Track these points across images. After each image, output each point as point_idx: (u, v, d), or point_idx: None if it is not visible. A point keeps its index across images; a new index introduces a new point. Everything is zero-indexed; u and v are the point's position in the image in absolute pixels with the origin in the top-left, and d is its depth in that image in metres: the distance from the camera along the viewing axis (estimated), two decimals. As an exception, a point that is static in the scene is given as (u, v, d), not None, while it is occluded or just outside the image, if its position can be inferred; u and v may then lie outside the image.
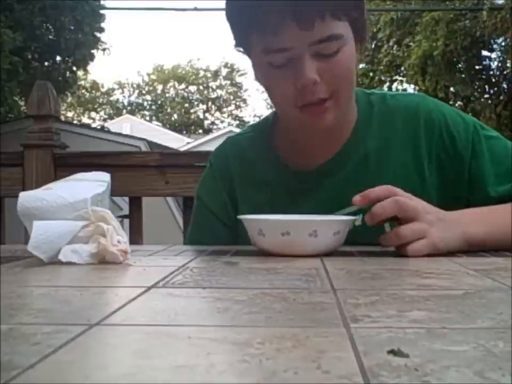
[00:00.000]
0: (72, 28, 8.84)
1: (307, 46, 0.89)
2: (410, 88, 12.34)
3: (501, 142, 1.03)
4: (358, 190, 0.84)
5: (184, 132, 30.07)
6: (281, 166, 1.06)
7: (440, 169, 1.01)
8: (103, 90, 34.81)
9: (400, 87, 12.64)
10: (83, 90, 26.77)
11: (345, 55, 0.92)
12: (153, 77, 36.01)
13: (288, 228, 0.82)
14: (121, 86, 35.86)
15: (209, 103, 34.79)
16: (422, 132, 1.02)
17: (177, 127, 32.33)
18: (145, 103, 36.15)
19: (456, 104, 11.57)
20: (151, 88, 36.04)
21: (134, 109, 35.01)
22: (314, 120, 0.94)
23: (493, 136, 1.04)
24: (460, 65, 11.18)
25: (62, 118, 17.99)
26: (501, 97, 10.94)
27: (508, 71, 11.04)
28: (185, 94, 35.55)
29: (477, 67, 11.33)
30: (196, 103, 35.17)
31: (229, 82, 35.16)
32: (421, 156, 1.01)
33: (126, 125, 22.26)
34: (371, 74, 12.27)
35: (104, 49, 10.14)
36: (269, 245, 0.85)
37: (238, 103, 35.67)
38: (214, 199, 1.11)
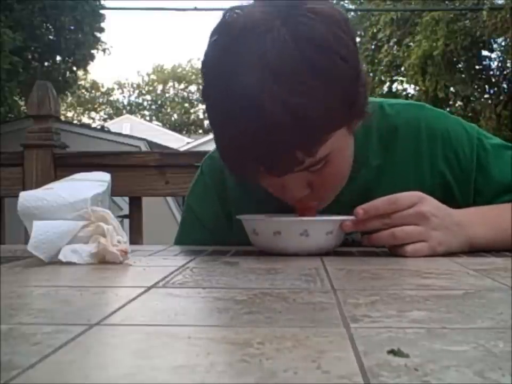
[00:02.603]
0: (72, 27, 8.85)
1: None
2: (411, 88, 12.37)
3: (506, 151, 1.00)
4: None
5: (184, 132, 30.07)
6: None
7: (446, 188, 0.97)
8: (103, 90, 34.84)
9: (400, 87, 12.66)
10: (83, 90, 26.78)
11: (335, 162, 0.87)
12: (153, 77, 36.02)
13: (279, 227, 0.84)
14: (121, 86, 35.89)
15: (209, 103, 34.61)
16: (425, 149, 0.98)
17: (177, 127, 32.33)
18: (145, 103, 36.18)
19: (456, 104, 11.59)
20: (151, 88, 36.06)
21: (134, 109, 35.02)
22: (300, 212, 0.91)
23: (498, 144, 1.01)
24: (460, 65, 11.18)
25: (62, 118, 17.99)
26: (501, 97, 10.94)
27: (508, 71, 11.04)
28: (185, 94, 35.57)
29: (477, 67, 11.33)
30: (195, 103, 35.17)
31: (229, 82, 35.03)
32: (423, 175, 0.98)
33: (126, 125, 22.27)
34: (371, 74, 12.27)
35: (104, 49, 10.15)
36: (262, 244, 0.88)
37: (238, 103, 35.53)
38: (205, 208, 1.08)
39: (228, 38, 0.81)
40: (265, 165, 0.83)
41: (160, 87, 35.95)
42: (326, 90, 0.79)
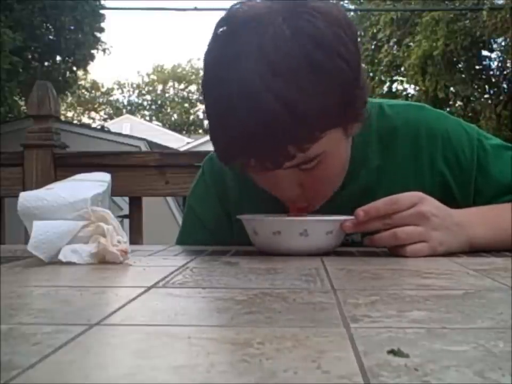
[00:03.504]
0: (72, 27, 8.85)
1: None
2: (411, 88, 12.36)
3: (506, 152, 1.00)
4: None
5: (184, 132, 30.07)
6: None
7: (445, 188, 0.97)
8: (103, 90, 34.84)
9: (400, 87, 12.65)
10: (83, 90, 26.79)
11: (327, 164, 0.86)
12: (153, 77, 36.02)
13: (279, 227, 0.84)
14: (121, 86, 35.89)
15: (209, 103, 34.57)
16: (424, 149, 0.98)
17: (177, 127, 32.32)
18: (145, 103, 36.17)
19: (456, 104, 11.59)
20: (151, 88, 36.06)
21: (134, 109, 35.02)
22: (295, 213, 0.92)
23: (498, 145, 1.00)
24: (460, 65, 11.18)
25: (62, 118, 17.98)
26: (501, 97, 10.94)
27: (508, 71, 11.04)
28: (185, 94, 35.56)
29: (477, 67, 11.33)
30: (195, 103, 35.15)
31: (228, 82, 35.02)
32: (423, 175, 0.97)
33: (126, 125, 22.27)
34: (371, 74, 12.27)
35: (104, 49, 10.15)
36: (262, 244, 0.88)
37: (238, 103, 35.51)
38: (206, 208, 1.08)
39: (230, 28, 0.82)
40: (256, 156, 0.82)
41: (160, 87, 35.96)
42: (322, 86, 0.79)
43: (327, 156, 0.85)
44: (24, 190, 1.55)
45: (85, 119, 32.25)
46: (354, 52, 0.83)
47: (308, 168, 0.85)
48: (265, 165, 0.83)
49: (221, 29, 0.83)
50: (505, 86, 11.21)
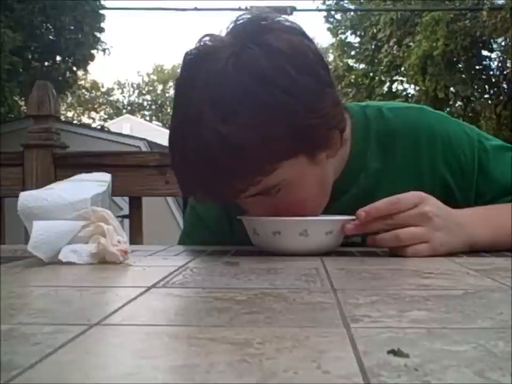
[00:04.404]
0: (72, 27, 8.86)
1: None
2: (411, 88, 12.37)
3: (507, 152, 1.00)
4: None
5: (184, 132, 29.98)
6: None
7: (446, 190, 0.96)
8: (103, 90, 34.85)
9: (400, 87, 12.66)
10: (83, 90, 26.78)
11: (292, 191, 0.86)
12: (153, 77, 36.03)
13: (278, 227, 0.84)
14: (121, 86, 35.90)
15: (209, 103, 34.61)
16: (424, 152, 0.97)
17: (177, 127, 32.23)
18: (145, 103, 36.18)
19: (456, 105, 11.59)
20: (151, 88, 36.06)
21: (134, 109, 35.02)
22: None
23: (498, 146, 1.00)
24: (460, 65, 11.18)
25: (62, 118, 17.98)
26: (501, 97, 10.94)
27: (507, 71, 11.04)
28: (185, 94, 35.49)
29: (477, 67, 11.34)
30: (195, 103, 35.03)
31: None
32: (423, 178, 0.97)
33: (126, 125, 22.26)
34: (371, 74, 12.28)
35: (104, 49, 10.16)
36: (263, 244, 0.88)
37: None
38: (207, 208, 1.08)
39: (193, 59, 0.85)
40: (204, 192, 0.84)
41: (160, 87, 35.96)
42: (262, 120, 0.79)
43: (290, 183, 0.85)
44: (24, 190, 1.55)
45: (85, 119, 32.26)
46: (303, 83, 0.81)
47: (272, 194, 0.85)
48: (218, 198, 0.85)
49: (188, 57, 0.86)
50: (505, 86, 11.21)
